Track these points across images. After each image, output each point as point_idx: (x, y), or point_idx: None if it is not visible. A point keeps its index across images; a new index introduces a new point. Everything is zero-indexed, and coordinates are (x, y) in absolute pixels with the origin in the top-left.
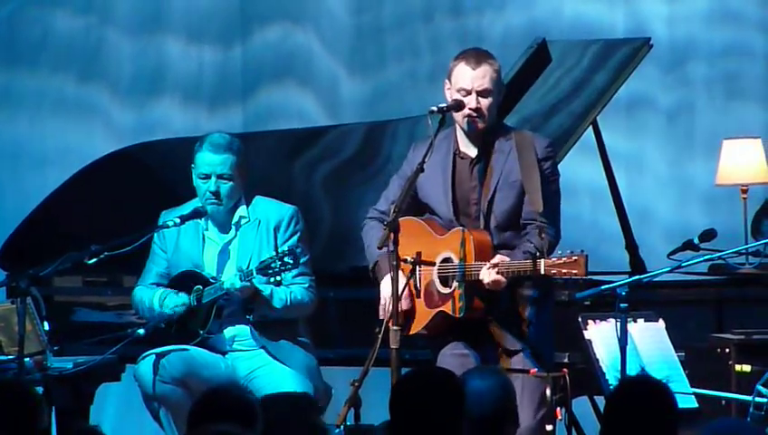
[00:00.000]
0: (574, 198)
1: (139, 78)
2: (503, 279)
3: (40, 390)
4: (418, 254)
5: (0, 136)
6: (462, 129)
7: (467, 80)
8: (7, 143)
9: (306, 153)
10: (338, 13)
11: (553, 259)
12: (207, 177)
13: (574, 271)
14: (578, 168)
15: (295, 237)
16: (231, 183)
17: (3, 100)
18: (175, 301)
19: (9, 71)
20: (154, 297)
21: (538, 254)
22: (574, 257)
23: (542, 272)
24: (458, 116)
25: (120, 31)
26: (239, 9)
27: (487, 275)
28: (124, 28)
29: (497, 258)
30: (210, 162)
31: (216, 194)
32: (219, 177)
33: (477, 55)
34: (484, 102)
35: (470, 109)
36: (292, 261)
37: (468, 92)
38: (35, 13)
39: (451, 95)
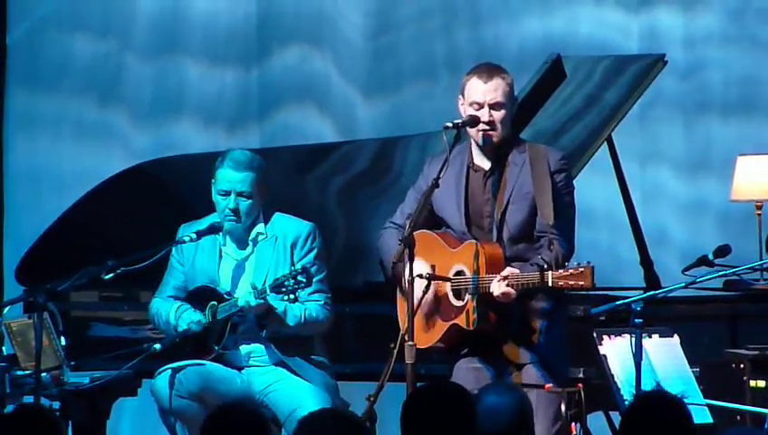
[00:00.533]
0: (591, 222)
1: (157, 101)
2: (512, 291)
3: (57, 405)
4: (432, 267)
5: (20, 159)
6: (476, 142)
7: (479, 93)
8: (27, 166)
9: (319, 168)
10: (353, 34)
11: (560, 271)
12: (227, 193)
13: (581, 282)
14: (593, 186)
15: (312, 254)
16: (250, 201)
17: (23, 123)
18: (191, 317)
19: (29, 94)
20: (171, 310)
21: (546, 266)
22: (581, 269)
23: (550, 284)
24: (472, 130)
25: (139, 54)
26: (256, 32)
27: (497, 287)
28: (142, 51)
29: (507, 271)
30: (230, 179)
31: (236, 211)
32: (239, 194)
33: (489, 69)
34: (497, 115)
35: (483, 122)
36: (305, 280)
37: (481, 106)
38: (54, 36)
39: (464, 110)
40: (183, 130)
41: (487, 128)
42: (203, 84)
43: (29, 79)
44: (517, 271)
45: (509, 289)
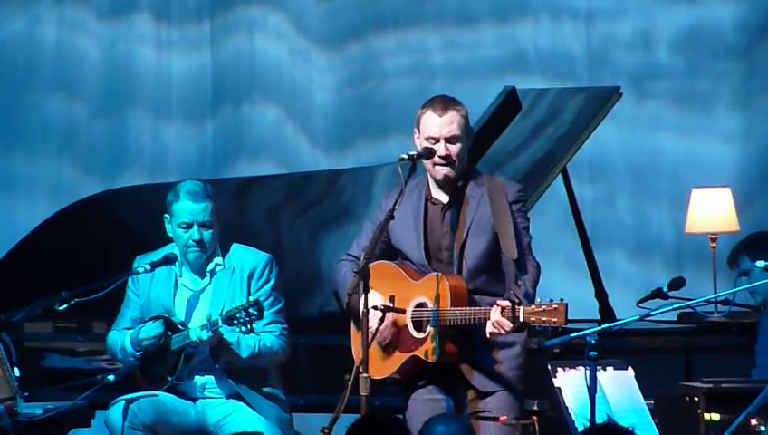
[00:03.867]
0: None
1: (111, 156)
2: (507, 322)
3: None
4: (391, 298)
5: None
6: (433, 177)
7: (435, 128)
8: None
9: (269, 198)
10: (313, 89)
11: (533, 307)
12: (189, 226)
13: (554, 319)
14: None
15: (268, 286)
16: (212, 230)
17: None
18: (151, 331)
19: None
20: (126, 337)
21: (517, 301)
22: (554, 306)
23: (521, 319)
24: (428, 164)
25: (92, 109)
26: (211, 86)
27: (494, 314)
28: (96, 107)
29: (504, 302)
30: (191, 211)
31: (200, 242)
32: (201, 225)
33: (444, 102)
34: (453, 149)
35: (439, 156)
36: (256, 312)
37: (437, 140)
38: (6, 92)
39: (420, 143)
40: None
41: (444, 162)
42: (157, 139)
43: None
44: (508, 303)
45: (505, 320)
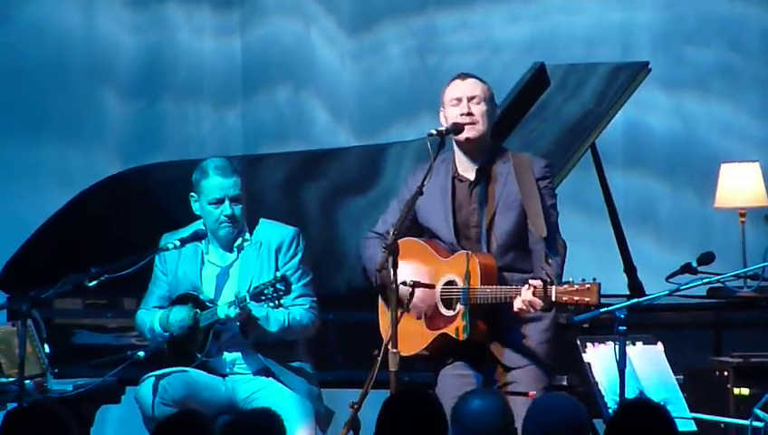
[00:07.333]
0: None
1: (141, 142)
2: (538, 301)
3: None
4: (421, 275)
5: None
6: (460, 147)
7: (457, 89)
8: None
9: (297, 175)
10: (341, 73)
11: (565, 286)
12: (221, 201)
13: (587, 299)
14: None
15: (296, 259)
16: (242, 204)
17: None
18: (180, 315)
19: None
20: (155, 318)
21: (549, 280)
22: (587, 285)
23: (553, 299)
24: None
25: (122, 95)
26: (241, 72)
27: (525, 294)
28: (126, 92)
29: (536, 281)
30: (221, 186)
31: (232, 217)
32: (232, 199)
33: (467, 74)
34: (477, 108)
35: (462, 114)
36: (283, 288)
37: (459, 100)
38: (37, 78)
39: (446, 118)
40: None
41: (467, 120)
42: (187, 124)
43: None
44: (539, 282)
45: (537, 299)
